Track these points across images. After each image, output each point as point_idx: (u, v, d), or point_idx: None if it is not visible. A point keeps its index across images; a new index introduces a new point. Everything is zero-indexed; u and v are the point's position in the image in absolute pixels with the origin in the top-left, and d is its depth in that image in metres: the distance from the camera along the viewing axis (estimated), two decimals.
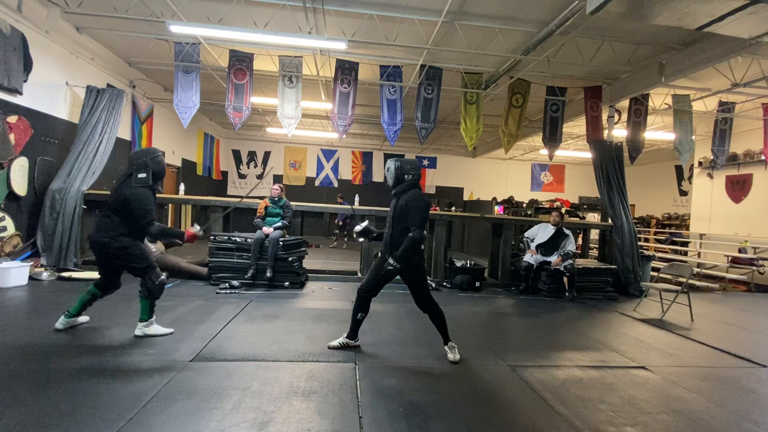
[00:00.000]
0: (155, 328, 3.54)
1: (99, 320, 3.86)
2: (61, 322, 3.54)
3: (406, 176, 3.38)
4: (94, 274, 5.79)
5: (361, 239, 3.62)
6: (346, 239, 12.33)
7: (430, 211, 4.90)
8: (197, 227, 3.55)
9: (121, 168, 8.36)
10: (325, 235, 13.91)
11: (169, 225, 10.72)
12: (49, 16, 6.01)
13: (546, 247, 6.38)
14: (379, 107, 7.70)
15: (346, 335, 3.53)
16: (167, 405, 2.38)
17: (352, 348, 3.52)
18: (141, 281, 3.49)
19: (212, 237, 5.93)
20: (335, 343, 3.52)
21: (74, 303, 3.61)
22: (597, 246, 8.33)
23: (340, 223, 12.22)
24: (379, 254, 3.54)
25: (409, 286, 3.41)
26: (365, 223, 3.56)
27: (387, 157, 16.23)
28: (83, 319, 3.73)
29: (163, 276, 3.59)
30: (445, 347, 3.45)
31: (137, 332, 3.47)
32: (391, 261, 3.25)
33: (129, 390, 2.53)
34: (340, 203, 12.38)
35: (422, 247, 3.42)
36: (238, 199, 6.12)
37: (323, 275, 6.74)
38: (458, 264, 6.72)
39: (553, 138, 8.19)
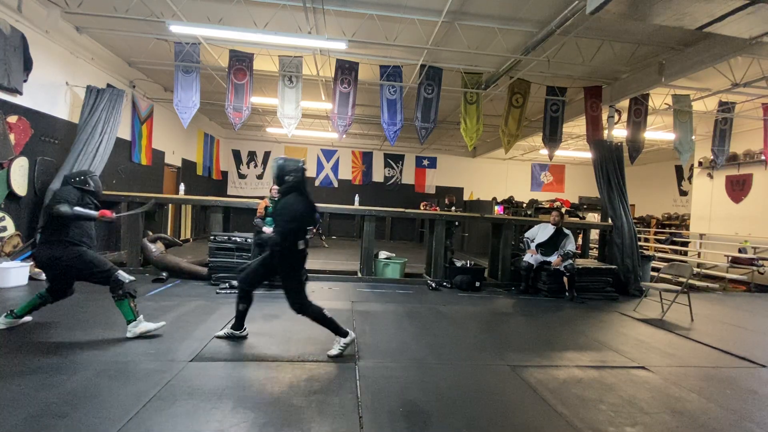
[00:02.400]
0: (145, 326, 3.50)
1: (99, 320, 3.86)
2: (2, 322, 3.50)
3: (287, 177, 3.29)
4: None
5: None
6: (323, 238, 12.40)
7: (430, 211, 4.90)
8: (113, 212, 3.62)
9: (121, 168, 8.37)
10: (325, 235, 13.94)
11: (170, 225, 10.71)
12: (49, 16, 6.01)
13: (546, 247, 6.38)
14: (379, 107, 7.70)
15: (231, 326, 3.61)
16: (167, 405, 2.38)
17: (241, 338, 3.57)
18: (110, 287, 3.43)
19: (212, 237, 5.94)
20: (221, 332, 3.60)
21: (22, 304, 3.59)
22: (597, 246, 8.33)
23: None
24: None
25: (282, 281, 3.34)
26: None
27: (387, 157, 16.30)
28: (27, 318, 3.69)
29: (128, 276, 3.53)
30: (335, 341, 3.37)
31: (128, 335, 3.43)
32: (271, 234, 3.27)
33: (129, 390, 2.53)
34: None
35: (300, 246, 3.28)
36: (239, 199, 6.09)
37: (323, 275, 6.74)
38: (458, 264, 6.72)
39: (553, 138, 8.19)
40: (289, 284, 3.30)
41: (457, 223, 7.77)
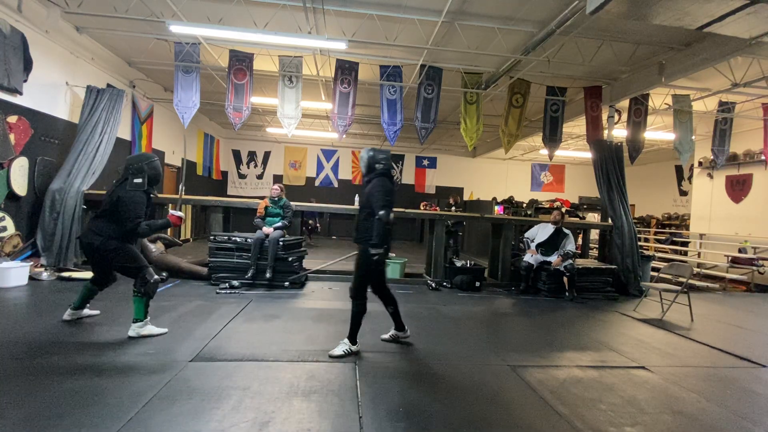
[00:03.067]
0: (149, 329, 3.53)
1: (99, 320, 3.86)
2: (68, 314, 3.72)
3: (377, 165, 3.43)
4: None
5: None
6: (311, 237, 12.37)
7: (430, 211, 4.95)
8: (176, 211, 3.66)
9: (121, 168, 8.35)
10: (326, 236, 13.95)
11: None
12: (49, 16, 6.01)
13: (546, 247, 6.38)
14: (379, 107, 7.70)
15: (393, 328, 3.76)
16: (167, 405, 2.38)
17: (403, 339, 3.75)
18: (135, 281, 3.49)
19: (212, 237, 5.94)
20: (386, 336, 3.78)
21: (76, 297, 3.76)
22: (597, 246, 8.33)
23: (310, 221, 12.19)
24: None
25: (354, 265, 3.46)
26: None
27: None
28: (94, 312, 3.88)
29: (156, 276, 3.58)
30: (342, 341, 3.43)
31: (131, 333, 3.45)
32: (372, 251, 3.28)
33: (129, 390, 2.53)
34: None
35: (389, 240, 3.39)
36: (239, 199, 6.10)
37: (323, 275, 6.74)
38: (458, 264, 6.72)
39: (553, 138, 8.19)
40: (362, 274, 3.43)
41: (464, 223, 7.77)
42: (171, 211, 3.66)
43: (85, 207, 6.24)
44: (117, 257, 3.46)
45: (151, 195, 3.64)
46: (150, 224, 3.51)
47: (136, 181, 3.47)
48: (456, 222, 7.44)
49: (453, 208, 12.39)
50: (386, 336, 3.79)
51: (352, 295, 3.46)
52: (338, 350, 3.34)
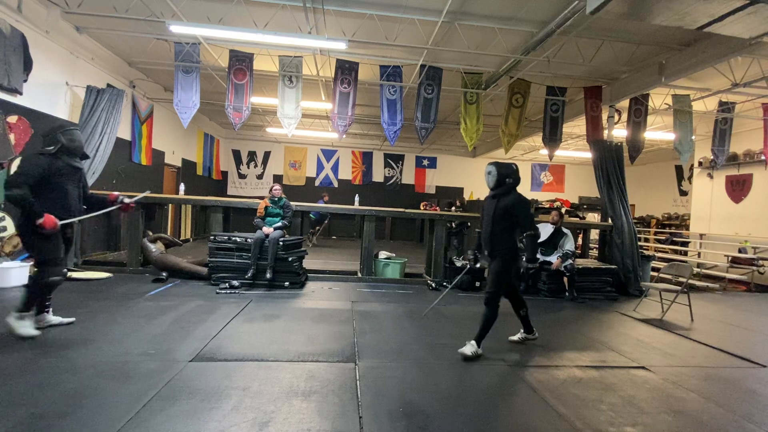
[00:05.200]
0: (23, 324, 3.22)
1: (99, 320, 3.86)
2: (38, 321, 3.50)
3: (507, 180, 3.62)
4: (95, 274, 5.84)
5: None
6: (314, 238, 12.21)
7: (430, 211, 5.03)
8: (58, 220, 3.27)
9: (121, 168, 8.37)
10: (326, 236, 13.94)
11: (170, 225, 10.71)
12: (49, 16, 6.01)
13: (545, 246, 6.38)
14: (379, 107, 7.70)
15: (522, 330, 3.97)
16: (167, 405, 2.38)
17: (531, 341, 3.97)
18: (36, 271, 3.31)
19: (212, 237, 5.94)
20: (515, 337, 3.98)
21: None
22: (597, 246, 8.33)
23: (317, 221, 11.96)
24: (475, 254, 4.13)
25: (489, 273, 3.68)
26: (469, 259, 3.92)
27: (387, 157, 16.30)
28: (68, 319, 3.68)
29: (58, 278, 3.33)
30: (469, 341, 3.55)
31: (6, 319, 3.23)
32: (528, 265, 3.64)
33: (129, 390, 2.53)
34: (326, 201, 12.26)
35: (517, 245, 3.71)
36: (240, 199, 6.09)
37: (323, 275, 6.74)
38: (458, 264, 6.72)
39: (553, 138, 8.19)
40: (499, 278, 3.58)
41: (468, 224, 7.74)
42: (53, 217, 3.22)
43: (85, 207, 6.22)
44: (27, 244, 3.28)
45: (76, 167, 3.44)
46: (25, 195, 3.11)
47: (47, 147, 3.32)
48: (460, 222, 7.42)
49: (453, 208, 12.37)
50: (515, 338, 3.99)
51: (487, 302, 3.57)
52: (468, 350, 3.46)
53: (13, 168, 5.61)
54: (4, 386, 2.49)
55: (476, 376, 3.11)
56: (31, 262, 5.48)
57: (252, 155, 15.75)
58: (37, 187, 3.22)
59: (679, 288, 5.42)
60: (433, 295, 6.02)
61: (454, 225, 7.14)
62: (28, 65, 5.78)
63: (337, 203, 11.79)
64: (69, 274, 5.60)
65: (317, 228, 12.24)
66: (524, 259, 3.56)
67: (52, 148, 3.32)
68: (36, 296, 3.36)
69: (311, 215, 11.22)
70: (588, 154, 9.38)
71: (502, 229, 3.57)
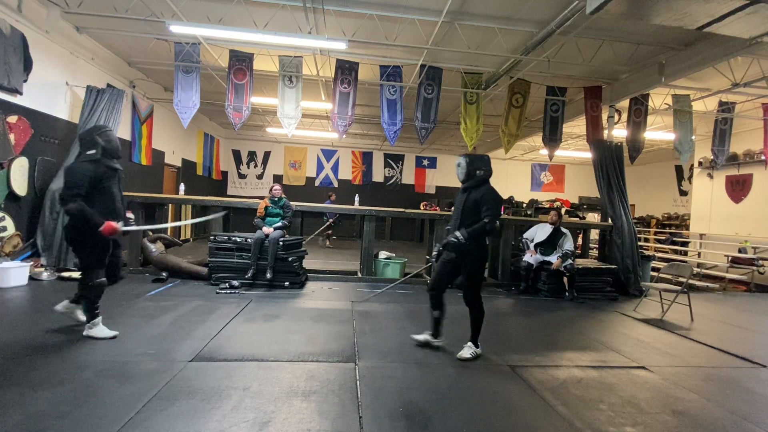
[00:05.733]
0: (99, 330, 3.38)
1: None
2: (62, 305, 3.57)
3: (477, 172, 3.45)
4: None
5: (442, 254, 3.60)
6: (327, 241, 11.93)
7: (430, 211, 4.97)
8: (122, 224, 3.38)
9: (121, 168, 8.35)
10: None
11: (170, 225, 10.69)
12: (49, 16, 6.01)
13: (545, 246, 6.39)
14: (379, 107, 7.70)
15: (429, 332, 3.68)
16: (167, 405, 2.38)
17: (435, 346, 3.64)
18: (81, 277, 3.38)
19: (212, 237, 5.94)
20: (419, 337, 3.69)
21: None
22: (597, 246, 8.33)
23: (330, 221, 11.53)
24: (441, 251, 3.56)
25: (464, 277, 3.48)
26: (438, 247, 3.58)
27: (387, 157, 16.30)
28: (83, 318, 3.67)
29: (102, 279, 3.38)
30: (466, 344, 3.51)
31: (84, 332, 3.37)
32: (458, 234, 3.27)
33: (129, 390, 2.53)
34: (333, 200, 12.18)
35: (486, 242, 3.51)
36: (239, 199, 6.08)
37: (323, 275, 6.74)
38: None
39: (553, 138, 8.19)
40: (476, 273, 3.46)
41: None
42: (114, 222, 3.29)
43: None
44: (73, 243, 3.32)
45: (115, 168, 3.45)
46: (83, 207, 3.16)
47: (88, 152, 3.32)
48: None
49: (453, 208, 12.27)
50: (420, 337, 3.72)
51: (472, 305, 3.49)
52: (466, 353, 3.43)
53: (14, 168, 5.61)
54: (5, 386, 2.49)
55: (476, 376, 3.11)
56: (31, 262, 5.50)
57: (252, 155, 15.75)
58: (91, 187, 3.26)
59: (679, 288, 5.42)
60: None
61: None
62: (28, 65, 5.78)
63: (337, 203, 11.79)
64: (69, 274, 5.62)
65: (330, 230, 11.76)
66: (453, 237, 3.27)
67: (93, 152, 3.33)
68: (94, 300, 3.42)
69: (325, 217, 10.94)
70: (588, 154, 9.38)
71: (472, 224, 3.34)
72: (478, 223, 3.29)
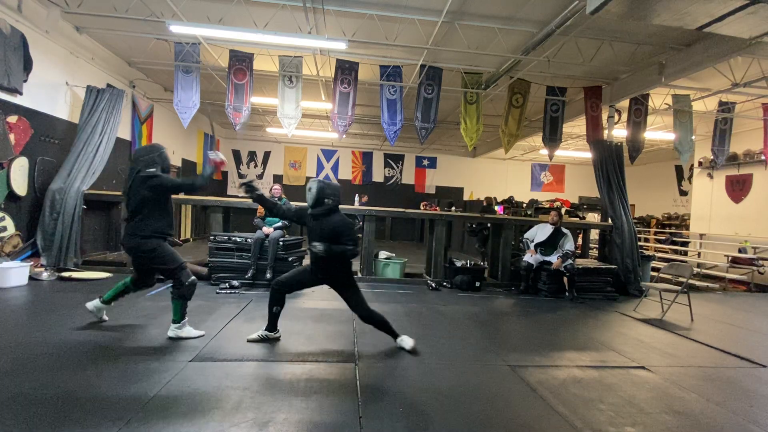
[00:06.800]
0: (187, 331, 3.54)
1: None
2: (93, 304, 3.72)
3: (326, 200, 3.46)
4: (95, 274, 5.83)
5: (241, 191, 3.64)
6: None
7: (430, 211, 4.97)
8: (214, 153, 3.63)
9: (121, 168, 8.37)
10: None
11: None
12: (49, 16, 6.01)
13: (545, 246, 6.39)
14: (379, 107, 7.70)
15: (265, 328, 3.60)
16: (167, 405, 2.38)
17: (274, 340, 3.60)
18: (173, 282, 3.54)
19: (212, 237, 5.94)
20: (254, 335, 3.59)
21: (109, 290, 3.75)
22: (597, 246, 8.33)
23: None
24: (311, 266, 3.62)
25: (341, 293, 3.58)
26: (252, 180, 3.60)
27: (387, 157, 16.31)
28: (105, 317, 3.84)
29: (193, 277, 3.60)
30: (396, 341, 3.59)
31: (170, 334, 3.48)
32: (318, 246, 3.30)
33: (129, 390, 2.53)
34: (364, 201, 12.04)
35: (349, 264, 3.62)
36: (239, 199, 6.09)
37: None
38: (458, 264, 6.72)
39: (553, 138, 8.19)
40: (351, 284, 3.58)
41: (488, 225, 7.68)
42: (211, 156, 3.61)
43: (85, 207, 6.24)
44: (154, 258, 3.50)
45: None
46: (199, 176, 3.57)
47: (150, 170, 3.48)
48: (479, 223, 7.33)
49: (453, 208, 12.28)
50: (254, 336, 3.60)
51: (366, 319, 3.57)
52: (407, 343, 3.53)
53: (14, 168, 5.61)
54: (4, 386, 2.49)
55: (476, 376, 3.11)
56: (31, 262, 5.50)
57: (252, 155, 15.75)
58: (155, 203, 3.49)
59: (679, 288, 5.42)
60: (434, 295, 6.03)
61: (474, 225, 7.09)
62: (28, 65, 5.78)
63: (369, 205, 11.74)
64: (69, 274, 5.62)
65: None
66: (316, 247, 3.34)
67: (154, 170, 3.51)
68: (186, 302, 3.55)
69: (357, 219, 10.76)
70: (588, 154, 9.38)
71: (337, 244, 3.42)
72: (340, 248, 3.38)
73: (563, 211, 9.60)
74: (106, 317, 3.84)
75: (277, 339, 3.63)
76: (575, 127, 10.47)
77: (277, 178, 15.49)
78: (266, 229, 5.80)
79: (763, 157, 9.19)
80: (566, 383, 3.07)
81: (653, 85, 7.22)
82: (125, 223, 3.57)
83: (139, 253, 3.51)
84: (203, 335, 3.58)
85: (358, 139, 15.11)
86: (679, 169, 13.91)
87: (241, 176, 15.66)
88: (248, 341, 3.54)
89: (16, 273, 5.01)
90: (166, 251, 3.53)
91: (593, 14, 4.08)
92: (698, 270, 9.25)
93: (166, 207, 3.60)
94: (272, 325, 3.60)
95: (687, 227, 12.09)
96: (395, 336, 3.61)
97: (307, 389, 2.70)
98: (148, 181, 3.41)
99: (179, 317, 3.51)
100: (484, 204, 11.45)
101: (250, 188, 3.50)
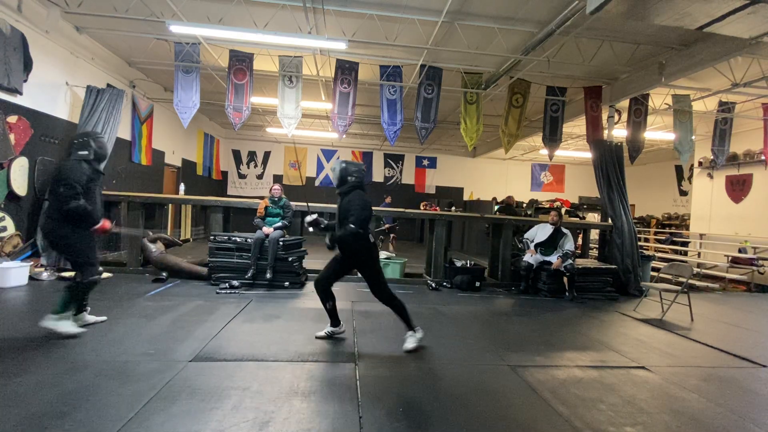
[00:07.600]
0: (65, 325, 3.33)
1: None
2: (67, 326, 3.47)
3: (349, 178, 3.53)
4: None
5: (311, 229, 3.69)
6: (391, 242, 11.10)
7: (430, 211, 4.97)
8: (113, 223, 3.51)
9: (121, 168, 8.37)
10: None
11: (170, 224, 10.71)
12: (49, 16, 6.01)
13: (545, 246, 6.39)
14: (379, 107, 7.70)
15: (330, 324, 3.74)
16: (167, 405, 2.38)
17: (339, 335, 3.75)
18: (74, 274, 3.42)
19: (212, 237, 5.94)
20: (321, 333, 3.74)
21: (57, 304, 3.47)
22: (597, 246, 8.33)
23: (387, 226, 10.43)
24: (329, 246, 3.66)
25: (364, 277, 3.63)
26: (314, 216, 3.64)
27: (387, 157, 16.30)
28: (103, 317, 3.81)
29: (96, 277, 3.45)
30: (407, 334, 3.59)
31: (46, 324, 3.29)
32: (327, 240, 3.48)
33: (129, 390, 2.53)
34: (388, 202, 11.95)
35: (371, 239, 3.59)
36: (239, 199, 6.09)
37: None
38: (458, 264, 6.72)
39: (553, 138, 8.19)
40: (372, 276, 3.56)
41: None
42: (107, 222, 3.48)
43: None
44: (65, 246, 3.36)
45: (100, 172, 3.58)
46: (86, 205, 3.26)
47: (80, 152, 3.39)
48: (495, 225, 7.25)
49: (453, 208, 12.24)
50: (322, 333, 3.76)
51: (386, 302, 3.59)
52: (410, 344, 3.50)
53: (14, 168, 5.61)
54: (4, 386, 2.49)
55: (476, 376, 3.11)
56: (31, 262, 5.50)
57: (252, 155, 15.75)
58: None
59: (679, 288, 5.42)
60: (434, 295, 6.03)
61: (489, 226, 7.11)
62: (28, 65, 5.78)
63: (335, 203, 11.75)
64: (69, 274, 5.61)
65: (385, 235, 10.64)
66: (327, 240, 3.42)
67: (86, 153, 3.42)
68: (78, 297, 3.45)
69: (382, 220, 10.20)
70: (588, 154, 9.38)
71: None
72: (343, 229, 3.41)
73: (563, 211, 9.60)
74: (103, 318, 3.79)
75: (342, 333, 3.76)
76: (575, 127, 10.47)
77: (277, 178, 15.49)
78: (266, 229, 5.80)
79: (763, 157, 9.20)
80: (566, 383, 3.07)
81: (653, 85, 7.21)
82: (47, 203, 3.43)
83: (52, 238, 3.33)
84: (80, 335, 3.37)
85: (358, 139, 15.10)
86: (679, 169, 13.91)
87: (241, 176, 15.66)
88: (316, 338, 3.68)
89: (16, 273, 5.02)
90: (78, 241, 3.32)
91: (593, 14, 4.08)
92: (698, 270, 9.25)
93: (87, 194, 3.37)
94: (334, 321, 3.73)
95: (687, 227, 12.09)
96: (411, 327, 3.60)
97: (307, 389, 2.70)
98: (63, 162, 3.27)
99: (61, 309, 3.32)
100: (503, 205, 10.54)
101: (316, 225, 3.57)
